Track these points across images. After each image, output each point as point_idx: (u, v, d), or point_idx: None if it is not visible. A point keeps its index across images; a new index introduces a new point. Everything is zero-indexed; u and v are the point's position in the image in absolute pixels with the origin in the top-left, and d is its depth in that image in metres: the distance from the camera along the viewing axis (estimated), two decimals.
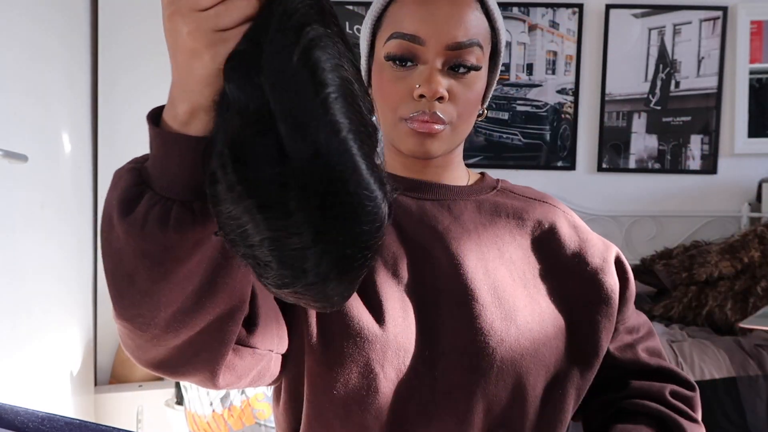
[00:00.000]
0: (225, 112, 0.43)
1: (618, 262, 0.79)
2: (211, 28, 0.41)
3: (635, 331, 0.80)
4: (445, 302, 0.70)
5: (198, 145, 0.46)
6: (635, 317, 0.81)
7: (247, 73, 0.41)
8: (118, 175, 0.50)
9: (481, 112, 0.78)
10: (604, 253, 0.77)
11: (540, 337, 0.71)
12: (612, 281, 0.76)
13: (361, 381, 0.66)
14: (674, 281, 2.57)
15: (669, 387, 0.76)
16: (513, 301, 0.71)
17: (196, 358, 0.56)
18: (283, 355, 0.68)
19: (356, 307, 0.67)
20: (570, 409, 0.73)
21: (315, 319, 0.67)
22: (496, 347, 0.68)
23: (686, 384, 0.78)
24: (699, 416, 0.76)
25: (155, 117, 0.48)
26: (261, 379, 0.66)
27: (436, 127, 0.70)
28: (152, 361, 0.56)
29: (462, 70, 0.70)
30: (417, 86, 0.69)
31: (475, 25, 0.70)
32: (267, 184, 0.41)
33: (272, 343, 0.64)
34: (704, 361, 2.07)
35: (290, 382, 0.71)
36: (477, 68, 0.71)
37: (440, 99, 0.69)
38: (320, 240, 0.42)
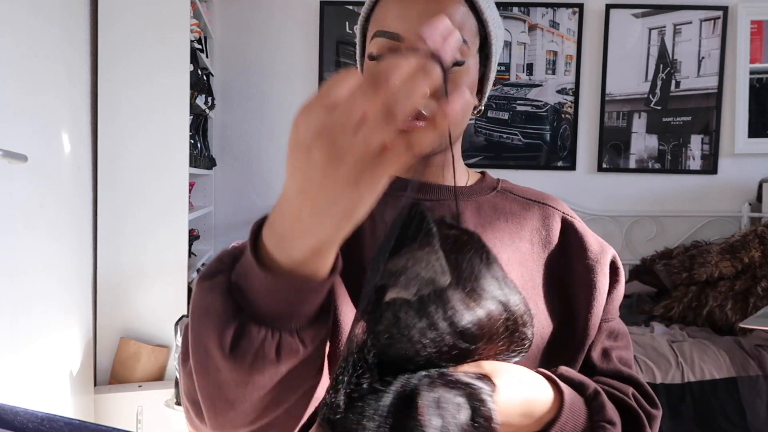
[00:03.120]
0: None
1: (613, 266, 0.78)
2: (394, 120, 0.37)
3: (615, 338, 0.79)
4: None
5: (320, 287, 0.45)
6: (619, 323, 0.80)
7: None
8: (206, 293, 0.47)
9: (478, 107, 0.77)
10: (599, 255, 0.77)
11: (534, 338, 0.70)
12: (603, 282, 0.75)
13: None
14: (674, 281, 2.57)
15: (632, 390, 0.74)
16: None
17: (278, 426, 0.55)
18: None
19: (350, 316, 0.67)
20: None
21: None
22: None
23: (650, 398, 0.74)
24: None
25: (254, 238, 0.46)
26: None
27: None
28: None
29: None
30: None
31: (455, 18, 0.68)
32: None
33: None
34: (704, 361, 2.07)
35: None
36: (459, 63, 0.69)
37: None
38: None
